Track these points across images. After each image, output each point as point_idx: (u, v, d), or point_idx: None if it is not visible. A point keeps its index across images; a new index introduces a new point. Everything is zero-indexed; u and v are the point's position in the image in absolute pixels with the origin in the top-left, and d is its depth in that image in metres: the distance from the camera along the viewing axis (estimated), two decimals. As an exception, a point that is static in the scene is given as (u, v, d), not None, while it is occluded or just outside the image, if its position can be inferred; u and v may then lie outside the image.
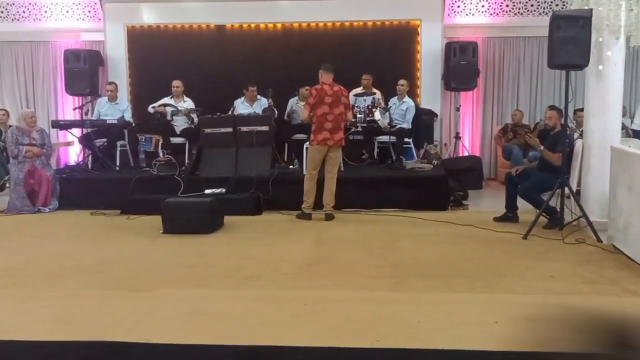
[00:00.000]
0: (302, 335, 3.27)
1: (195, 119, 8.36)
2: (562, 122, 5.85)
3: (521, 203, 6.16)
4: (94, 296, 3.98)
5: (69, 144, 9.63)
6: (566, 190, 5.68)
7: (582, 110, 6.94)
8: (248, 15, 9.33)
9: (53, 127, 8.63)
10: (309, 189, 6.52)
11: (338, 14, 9.26)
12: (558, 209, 5.80)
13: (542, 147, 6.04)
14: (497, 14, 9.41)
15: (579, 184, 5.98)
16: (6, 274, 4.55)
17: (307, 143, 6.86)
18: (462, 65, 9.02)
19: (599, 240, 5.29)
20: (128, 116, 8.57)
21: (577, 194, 5.81)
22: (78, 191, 7.38)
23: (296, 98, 8.69)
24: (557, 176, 5.65)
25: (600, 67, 5.66)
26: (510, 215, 6.22)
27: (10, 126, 8.15)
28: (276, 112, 8.47)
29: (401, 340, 3.18)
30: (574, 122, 7.83)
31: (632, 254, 4.72)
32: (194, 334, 3.30)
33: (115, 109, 8.57)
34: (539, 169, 6.13)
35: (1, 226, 6.48)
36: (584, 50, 5.41)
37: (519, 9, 9.35)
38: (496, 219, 6.25)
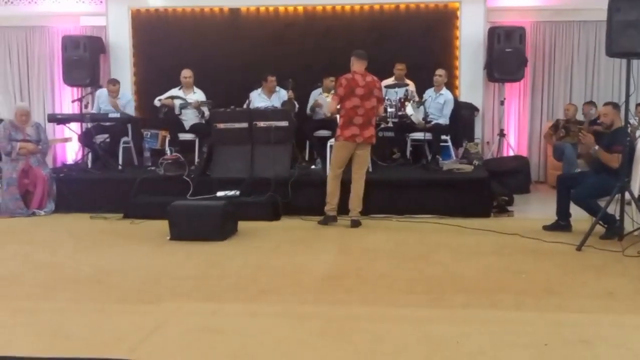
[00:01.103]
0: (325, 356, 3.27)
1: (207, 113, 8.42)
2: (623, 118, 5.77)
3: (575, 210, 6.10)
4: (93, 309, 4.02)
5: (66, 140, 9.77)
6: (627, 195, 5.61)
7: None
8: (266, -4, 9.39)
9: (49, 121, 8.78)
10: (333, 189, 6.53)
11: (367, -4, 9.28)
12: (617, 217, 5.74)
13: (596, 147, 5.96)
14: (548, -5, 9.36)
15: (641, 189, 5.91)
16: (-2, 284, 4.63)
17: (332, 140, 6.87)
18: (507, 53, 8.96)
19: (665, 252, 5.22)
20: (130, 110, 8.65)
21: (639, 200, 5.74)
22: (76, 192, 7.48)
23: (319, 90, 8.70)
24: (616, 179, 5.58)
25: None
26: (562, 224, 6.16)
27: (1, 120, 8.26)
28: (297, 105, 8.51)
29: (438, 364, 3.16)
30: (636, 118, 7.73)
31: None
32: (204, 353, 3.31)
33: (117, 104, 8.63)
34: (595, 171, 6.06)
35: (-8, 231, 6.60)
36: (648, 36, 5.34)
37: (573, -11, 9.29)
38: (546, 228, 6.20)
